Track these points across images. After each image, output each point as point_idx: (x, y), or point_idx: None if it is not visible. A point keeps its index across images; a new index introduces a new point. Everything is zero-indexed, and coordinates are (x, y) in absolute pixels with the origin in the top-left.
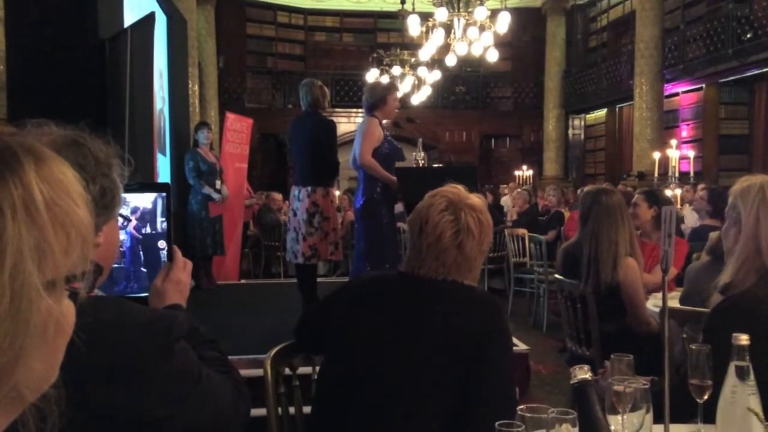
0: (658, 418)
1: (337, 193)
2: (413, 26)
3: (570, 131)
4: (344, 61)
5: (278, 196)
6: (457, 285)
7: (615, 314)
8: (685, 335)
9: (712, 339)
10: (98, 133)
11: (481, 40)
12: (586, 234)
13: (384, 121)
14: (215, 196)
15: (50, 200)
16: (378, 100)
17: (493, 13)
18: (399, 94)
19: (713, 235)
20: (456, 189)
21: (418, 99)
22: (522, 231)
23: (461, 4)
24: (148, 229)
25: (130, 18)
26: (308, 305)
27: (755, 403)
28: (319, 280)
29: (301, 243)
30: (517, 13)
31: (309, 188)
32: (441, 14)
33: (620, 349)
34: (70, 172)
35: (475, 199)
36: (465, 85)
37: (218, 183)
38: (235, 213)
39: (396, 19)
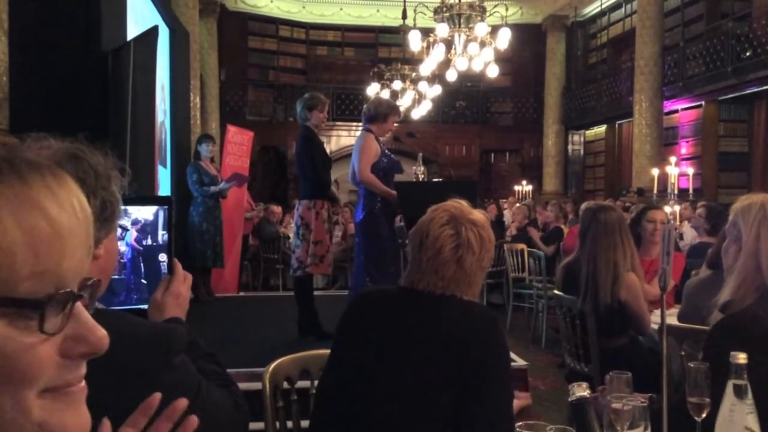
0: None
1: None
2: (414, 41)
3: (570, 147)
4: (345, 75)
5: (277, 209)
6: (456, 300)
7: (614, 331)
8: (683, 353)
9: (711, 357)
10: (96, 145)
11: (481, 56)
12: (585, 253)
13: (381, 139)
14: (223, 185)
15: None
16: (379, 115)
17: (494, 29)
18: (401, 109)
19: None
20: (459, 204)
21: (418, 113)
22: (521, 246)
23: (462, 20)
24: (149, 241)
25: (133, 31)
26: (303, 318)
27: (753, 421)
28: (317, 293)
29: (292, 255)
30: (518, 29)
31: (299, 202)
32: (442, 30)
33: (619, 366)
34: (46, 193)
35: (478, 215)
36: (465, 100)
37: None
38: (235, 225)
39: (397, 34)
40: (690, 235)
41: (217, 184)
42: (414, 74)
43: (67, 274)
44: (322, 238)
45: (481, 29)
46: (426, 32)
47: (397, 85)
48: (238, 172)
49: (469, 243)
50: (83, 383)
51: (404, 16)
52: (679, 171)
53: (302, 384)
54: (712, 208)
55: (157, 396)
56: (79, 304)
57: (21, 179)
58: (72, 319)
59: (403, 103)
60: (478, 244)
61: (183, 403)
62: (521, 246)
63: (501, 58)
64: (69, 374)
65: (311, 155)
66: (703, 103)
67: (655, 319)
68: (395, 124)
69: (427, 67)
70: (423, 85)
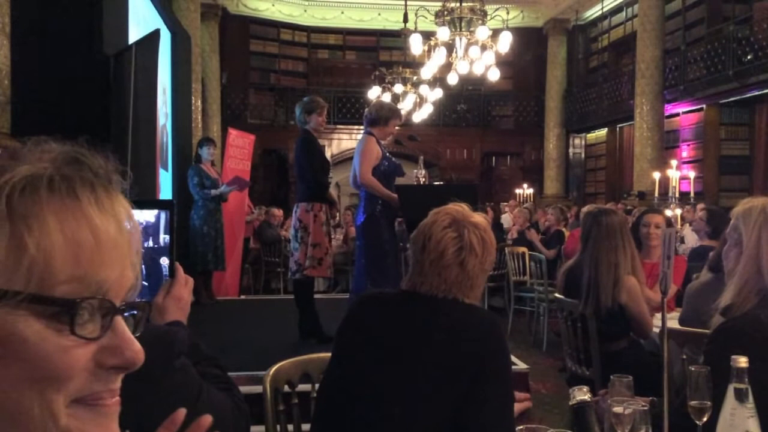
0: None
1: (342, 208)
2: (415, 45)
3: (571, 150)
4: (346, 78)
5: (278, 212)
6: (458, 303)
7: (615, 335)
8: (684, 356)
9: (712, 361)
10: (97, 148)
11: (482, 59)
12: (586, 256)
13: (383, 143)
14: (224, 189)
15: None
16: (381, 118)
17: (495, 33)
18: (402, 112)
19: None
20: (460, 207)
21: (419, 117)
22: (522, 249)
23: (463, 24)
24: (150, 243)
25: (134, 34)
26: (304, 321)
27: (754, 425)
28: (318, 296)
29: (291, 258)
30: (519, 32)
31: (297, 205)
32: (443, 33)
33: (620, 370)
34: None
35: (479, 218)
36: (466, 103)
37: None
38: (236, 228)
39: (398, 37)
40: (691, 238)
41: (217, 187)
42: (415, 77)
43: (109, 285)
44: (321, 241)
45: (482, 33)
46: (427, 36)
47: (398, 88)
48: (239, 175)
49: (472, 245)
50: (116, 399)
51: (405, 20)
52: (680, 174)
53: (303, 387)
54: (713, 211)
55: (182, 412)
56: (119, 318)
57: (72, 191)
58: (110, 330)
59: (405, 106)
60: (480, 246)
61: (181, 414)
62: (522, 249)
63: (502, 62)
64: (100, 385)
65: (310, 158)
66: (704, 106)
67: (656, 322)
68: (396, 128)
69: (428, 71)
70: (424, 89)
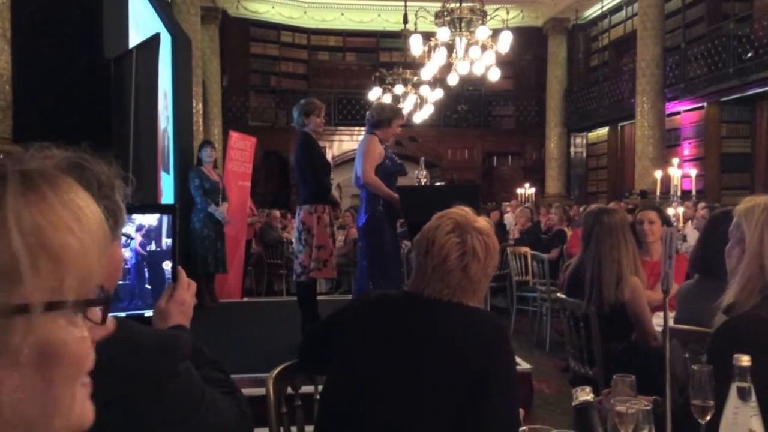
0: None
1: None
2: (415, 46)
3: (572, 149)
4: (347, 79)
5: (276, 214)
6: (462, 306)
7: (618, 334)
8: (687, 355)
9: (715, 360)
10: (99, 154)
11: (482, 60)
12: (589, 254)
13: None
14: (218, 215)
15: (31, 225)
16: (383, 120)
17: (495, 33)
18: (403, 112)
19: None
20: (464, 211)
21: (420, 117)
22: (524, 249)
23: (463, 24)
24: (153, 247)
25: (135, 38)
26: (307, 323)
27: (757, 424)
28: (320, 298)
29: (295, 260)
30: (519, 32)
31: (300, 207)
32: (443, 34)
33: (623, 369)
34: (72, 198)
35: (483, 222)
36: (467, 103)
37: (220, 201)
38: (238, 231)
39: (398, 38)
40: (693, 236)
41: (218, 189)
42: (415, 78)
43: (100, 275)
44: (325, 243)
45: (482, 33)
46: (427, 36)
47: (398, 89)
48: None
49: (475, 251)
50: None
51: (405, 21)
52: (681, 173)
53: (306, 389)
54: (715, 209)
55: None
56: None
57: (54, 188)
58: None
59: (405, 107)
60: (483, 252)
61: None
62: (524, 249)
63: (502, 62)
64: (91, 362)
65: (310, 160)
66: (705, 104)
67: (659, 320)
68: (397, 132)
69: (428, 72)
70: (425, 89)
